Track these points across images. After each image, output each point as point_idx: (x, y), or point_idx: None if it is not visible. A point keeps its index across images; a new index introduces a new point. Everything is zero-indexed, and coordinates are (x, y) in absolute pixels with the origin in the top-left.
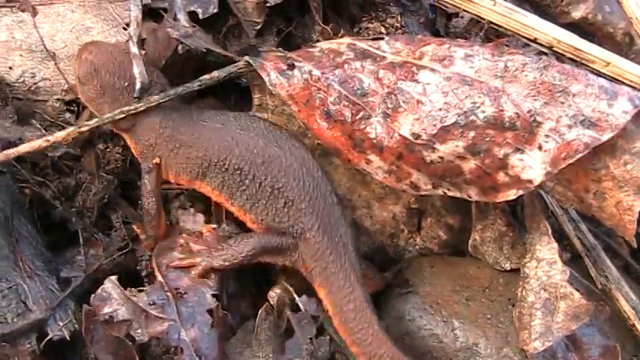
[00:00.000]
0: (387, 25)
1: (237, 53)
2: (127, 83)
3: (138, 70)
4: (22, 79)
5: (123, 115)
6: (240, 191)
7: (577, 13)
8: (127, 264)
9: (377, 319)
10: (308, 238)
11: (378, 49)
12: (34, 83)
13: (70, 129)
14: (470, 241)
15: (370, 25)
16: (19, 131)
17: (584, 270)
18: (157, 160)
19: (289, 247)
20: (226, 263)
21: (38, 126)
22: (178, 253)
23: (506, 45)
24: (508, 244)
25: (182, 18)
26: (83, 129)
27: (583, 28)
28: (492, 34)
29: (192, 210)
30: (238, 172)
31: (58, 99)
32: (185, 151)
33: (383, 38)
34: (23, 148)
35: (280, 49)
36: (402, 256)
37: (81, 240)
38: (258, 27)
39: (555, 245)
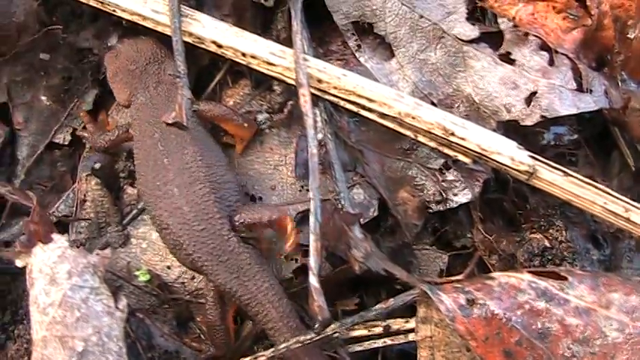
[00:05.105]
0: (550, 238)
1: (392, 251)
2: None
3: (317, 304)
4: (180, 280)
5: (299, 345)
6: None
7: None
8: None
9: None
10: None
11: (561, 290)
12: (196, 287)
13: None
14: None
15: (533, 236)
16: (177, 342)
17: None
18: None
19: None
20: None
21: (197, 331)
22: None
23: None
24: None
25: (357, 231)
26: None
27: None
28: None
29: None
30: None
31: None
32: None
33: (566, 278)
34: None
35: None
36: None
37: None
38: (417, 230)
39: None
